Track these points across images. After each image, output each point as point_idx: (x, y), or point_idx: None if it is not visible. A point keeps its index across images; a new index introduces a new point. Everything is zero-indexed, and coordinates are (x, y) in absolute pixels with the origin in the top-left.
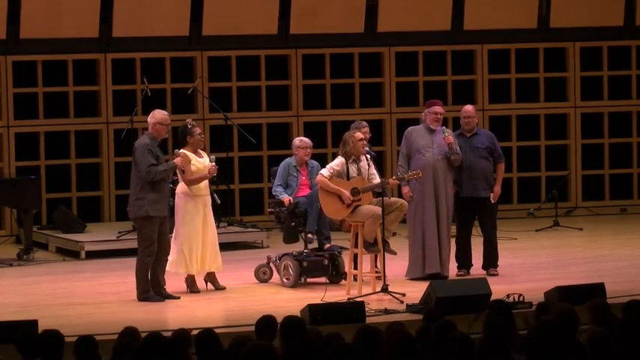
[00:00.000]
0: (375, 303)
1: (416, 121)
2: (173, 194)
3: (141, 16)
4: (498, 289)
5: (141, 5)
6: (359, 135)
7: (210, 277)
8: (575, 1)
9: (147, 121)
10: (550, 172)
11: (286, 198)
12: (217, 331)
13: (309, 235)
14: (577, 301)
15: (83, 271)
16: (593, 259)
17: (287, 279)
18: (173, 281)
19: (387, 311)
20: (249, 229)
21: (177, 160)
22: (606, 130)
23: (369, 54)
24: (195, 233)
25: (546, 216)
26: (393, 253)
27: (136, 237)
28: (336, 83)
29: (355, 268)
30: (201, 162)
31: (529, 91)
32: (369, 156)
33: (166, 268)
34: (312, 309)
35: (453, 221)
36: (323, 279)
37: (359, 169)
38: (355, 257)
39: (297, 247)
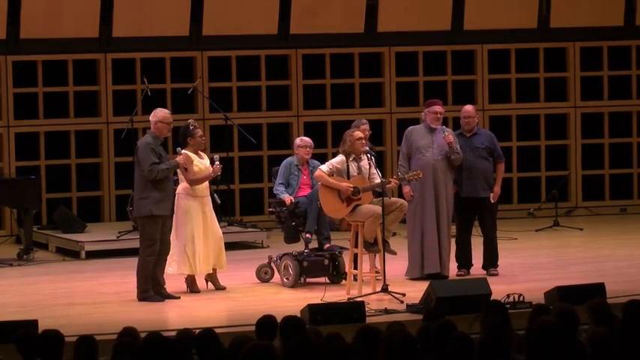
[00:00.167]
0: (375, 303)
1: (416, 121)
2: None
3: (141, 16)
4: (498, 289)
5: (141, 5)
6: (358, 134)
7: (211, 277)
8: (575, 1)
9: (147, 121)
10: (550, 172)
11: (287, 197)
12: (217, 331)
13: (308, 235)
14: (577, 301)
15: (83, 271)
16: (593, 259)
17: (287, 279)
18: (173, 281)
19: (387, 311)
20: (249, 229)
21: (180, 159)
22: (606, 130)
23: (369, 54)
24: (197, 233)
25: (546, 216)
26: (393, 253)
27: (136, 237)
28: (336, 83)
29: (355, 268)
30: (203, 163)
31: (529, 91)
32: (370, 155)
33: (169, 270)
34: (312, 309)
35: (453, 221)
36: (323, 279)
37: (359, 168)
38: (355, 257)
39: (298, 247)
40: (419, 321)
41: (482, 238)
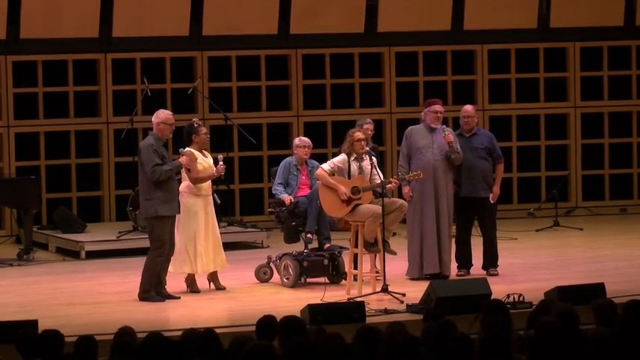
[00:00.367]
0: (375, 303)
1: (416, 121)
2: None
3: (141, 16)
4: (498, 289)
5: (141, 5)
6: (358, 135)
7: (212, 277)
8: (575, 1)
9: (147, 121)
10: (550, 172)
11: (287, 197)
12: (217, 331)
13: (309, 235)
14: (577, 301)
15: (83, 271)
16: (593, 259)
17: (287, 279)
18: (173, 281)
19: (387, 311)
20: (249, 229)
21: (183, 159)
22: (606, 130)
23: (369, 54)
24: (199, 233)
25: (546, 216)
26: (393, 253)
27: (136, 237)
28: (336, 83)
29: (355, 268)
30: (207, 161)
31: (529, 91)
32: (371, 156)
33: (169, 269)
34: (312, 309)
35: (453, 221)
36: (323, 279)
37: (361, 168)
38: (355, 257)
39: (297, 247)
40: (419, 321)
41: (482, 238)
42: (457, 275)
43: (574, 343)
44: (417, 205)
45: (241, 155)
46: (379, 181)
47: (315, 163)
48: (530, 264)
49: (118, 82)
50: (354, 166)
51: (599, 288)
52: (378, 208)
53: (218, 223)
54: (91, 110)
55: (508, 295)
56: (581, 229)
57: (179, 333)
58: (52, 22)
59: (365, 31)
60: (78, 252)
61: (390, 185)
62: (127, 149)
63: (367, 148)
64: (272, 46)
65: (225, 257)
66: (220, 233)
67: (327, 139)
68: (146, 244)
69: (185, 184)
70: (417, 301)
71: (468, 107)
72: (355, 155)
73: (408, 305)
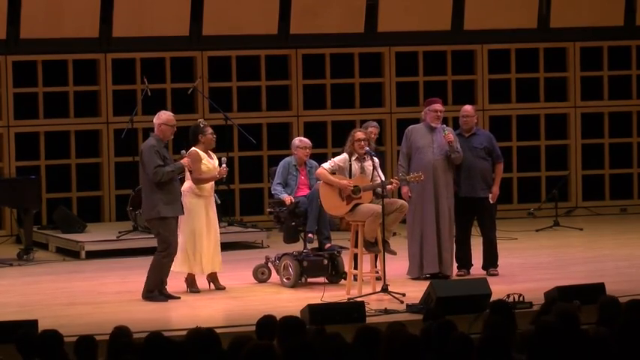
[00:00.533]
0: (375, 303)
1: (416, 121)
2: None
3: (141, 16)
4: (498, 289)
5: (141, 5)
6: (358, 135)
7: (212, 277)
8: (575, 1)
9: (147, 121)
10: (550, 172)
11: (287, 197)
12: (217, 331)
13: (310, 235)
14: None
15: (83, 271)
16: (593, 259)
17: (287, 279)
18: (173, 281)
19: (387, 311)
20: (249, 229)
21: (185, 161)
22: (606, 130)
23: (369, 54)
24: (199, 233)
25: (546, 216)
26: (393, 253)
27: (136, 237)
28: (336, 83)
29: (355, 268)
30: (212, 162)
31: (529, 91)
32: (373, 157)
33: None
34: (312, 309)
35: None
36: (323, 279)
37: (362, 169)
38: (355, 257)
39: (297, 247)
40: (419, 321)
41: (481, 239)
42: (457, 275)
43: (574, 343)
44: (417, 204)
45: (241, 155)
46: (379, 181)
47: (314, 163)
48: (530, 264)
49: (118, 82)
50: (355, 166)
51: (599, 288)
52: (378, 208)
53: (218, 223)
54: (91, 110)
55: (508, 295)
56: (581, 229)
57: (179, 333)
58: (52, 22)
59: (365, 31)
60: (78, 252)
61: (390, 186)
62: (127, 149)
63: (367, 149)
64: (272, 46)
65: (225, 258)
66: (220, 233)
67: (327, 139)
68: (146, 244)
69: (188, 185)
70: (417, 301)
71: (467, 107)
72: (357, 155)
73: (408, 305)
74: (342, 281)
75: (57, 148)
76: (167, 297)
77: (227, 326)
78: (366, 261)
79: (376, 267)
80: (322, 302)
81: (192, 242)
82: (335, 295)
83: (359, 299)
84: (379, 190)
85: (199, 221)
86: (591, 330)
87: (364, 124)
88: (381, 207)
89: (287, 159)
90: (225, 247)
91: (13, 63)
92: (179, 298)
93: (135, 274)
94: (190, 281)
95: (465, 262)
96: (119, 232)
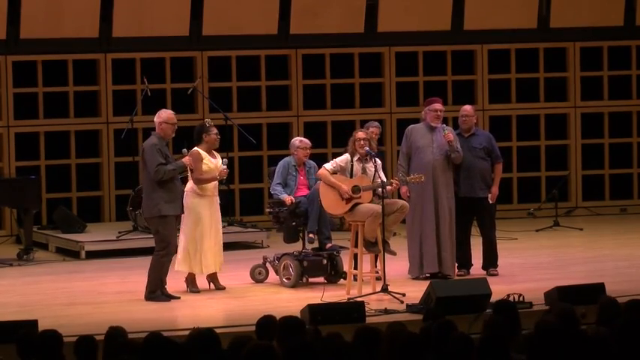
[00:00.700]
0: (375, 303)
1: (416, 121)
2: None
3: (141, 16)
4: (498, 289)
5: (141, 5)
6: (359, 135)
7: (212, 277)
8: (575, 1)
9: (147, 121)
10: (550, 172)
11: (288, 198)
12: (217, 331)
13: (311, 235)
14: (577, 301)
15: (83, 271)
16: (593, 259)
17: (287, 279)
18: (173, 281)
19: (387, 311)
20: (249, 229)
21: (186, 160)
22: (606, 130)
23: (369, 54)
24: (201, 233)
25: (546, 216)
26: (393, 253)
27: (136, 237)
28: (336, 83)
29: (355, 268)
30: (214, 162)
31: (529, 91)
32: (375, 159)
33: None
34: (312, 309)
35: None
36: (322, 278)
37: (364, 169)
38: (355, 257)
39: (295, 246)
40: (419, 321)
41: (481, 239)
42: (457, 275)
43: (574, 343)
44: (417, 204)
45: (241, 155)
46: (379, 181)
47: (313, 163)
48: (530, 264)
49: (118, 82)
50: (356, 166)
51: (599, 288)
52: (377, 207)
53: None
54: (91, 110)
55: (508, 295)
56: (581, 229)
57: (179, 333)
58: (52, 22)
59: (365, 31)
60: (78, 252)
61: (390, 187)
62: (127, 149)
63: (367, 149)
64: (272, 46)
65: (226, 258)
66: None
67: (327, 139)
68: (146, 244)
69: (190, 185)
70: (417, 301)
71: (467, 107)
72: (359, 156)
73: (408, 305)
74: (342, 281)
75: (57, 148)
76: (167, 297)
77: (227, 326)
78: (366, 261)
79: (376, 267)
80: (322, 302)
81: (194, 242)
82: (335, 295)
83: (359, 299)
84: (380, 190)
85: (201, 222)
86: (591, 330)
87: (366, 124)
88: (380, 206)
89: (286, 159)
90: (226, 247)
91: (13, 63)
92: (179, 298)
93: (135, 274)
94: (190, 281)
95: (464, 262)
96: (119, 232)
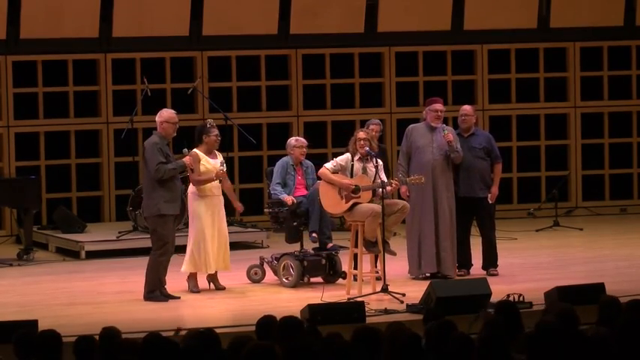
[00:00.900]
0: (375, 303)
1: (416, 122)
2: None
3: (141, 16)
4: (498, 289)
5: (141, 5)
6: (361, 135)
7: (212, 277)
8: (575, 1)
9: (147, 121)
10: (550, 172)
11: (289, 198)
12: (217, 331)
13: (314, 235)
14: (577, 301)
15: (83, 271)
16: (593, 259)
17: (287, 279)
18: (173, 281)
19: (387, 311)
20: (249, 229)
21: (187, 159)
22: (606, 130)
23: (369, 54)
24: (202, 234)
25: (546, 216)
26: (393, 253)
27: (136, 237)
28: (336, 83)
29: (355, 268)
30: (212, 163)
31: (529, 91)
32: (376, 160)
33: (182, 268)
34: (312, 309)
35: None
36: (324, 278)
37: (364, 169)
38: (355, 257)
39: (294, 246)
40: (419, 321)
41: (481, 239)
42: (457, 275)
43: (574, 343)
44: (417, 204)
45: (241, 155)
46: (379, 181)
47: (309, 163)
48: (530, 264)
49: (118, 82)
50: (357, 166)
51: (599, 288)
52: (377, 207)
53: None
54: (91, 110)
55: (508, 295)
56: (581, 229)
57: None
58: (52, 22)
59: (365, 31)
60: (78, 252)
61: (390, 188)
62: (127, 149)
63: (367, 149)
64: (272, 46)
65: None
66: None
67: (327, 139)
68: (146, 244)
69: (192, 186)
70: (417, 301)
71: (466, 106)
72: (360, 155)
73: (408, 305)
74: (341, 281)
75: (57, 148)
76: (167, 297)
77: (227, 326)
78: (366, 261)
79: (376, 267)
80: (322, 302)
81: (197, 243)
82: (335, 295)
83: (359, 299)
84: (380, 190)
85: (203, 222)
86: (591, 330)
87: (367, 122)
88: (380, 206)
89: (284, 159)
90: None
91: (13, 63)
92: (179, 298)
93: (135, 274)
94: (192, 281)
95: (464, 262)
96: (119, 232)
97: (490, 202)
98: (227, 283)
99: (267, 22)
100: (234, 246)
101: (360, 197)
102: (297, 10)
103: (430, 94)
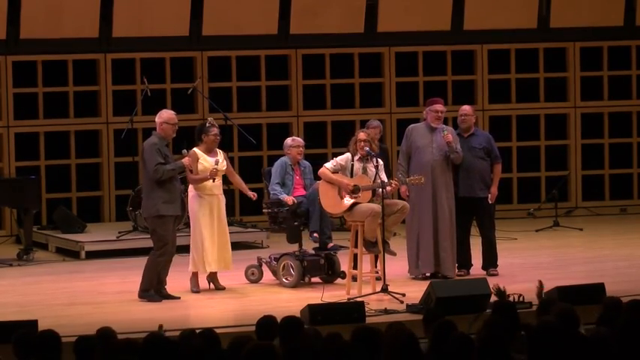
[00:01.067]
0: (375, 303)
1: (416, 122)
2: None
3: (141, 16)
4: None
5: (141, 5)
6: (361, 136)
7: (212, 277)
8: (575, 1)
9: (147, 121)
10: (550, 172)
11: (289, 198)
12: (217, 331)
13: (315, 235)
14: (577, 301)
15: (83, 271)
16: (593, 259)
17: (287, 279)
18: (174, 281)
19: (387, 311)
20: (249, 229)
21: (185, 160)
22: (606, 130)
23: (369, 54)
24: (200, 233)
25: (546, 216)
26: (393, 254)
27: (136, 237)
28: (336, 83)
29: (355, 268)
30: (209, 162)
31: (529, 91)
32: (376, 160)
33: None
34: (312, 309)
35: None
36: (323, 278)
37: (364, 169)
38: (355, 257)
39: (293, 247)
40: (419, 321)
41: (481, 239)
42: (457, 275)
43: (574, 343)
44: (416, 204)
45: (241, 155)
46: (379, 181)
47: (307, 163)
48: (530, 264)
49: (118, 82)
50: (357, 165)
51: (599, 288)
52: (377, 207)
53: None
54: (91, 110)
55: (508, 295)
56: (581, 229)
57: (179, 333)
58: (52, 22)
59: (365, 31)
60: (78, 252)
61: (389, 188)
62: (127, 149)
63: (367, 149)
64: (272, 46)
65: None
66: None
67: (327, 139)
68: (146, 244)
69: (191, 186)
70: (417, 301)
71: (466, 106)
72: (360, 156)
73: (408, 305)
74: (340, 280)
75: (57, 148)
76: (166, 297)
77: (227, 326)
78: (365, 261)
79: (376, 267)
80: (322, 302)
81: (196, 243)
82: (335, 295)
83: (359, 299)
84: (380, 190)
85: (202, 222)
86: (591, 330)
87: (367, 123)
88: (379, 206)
89: (282, 159)
90: None
91: (13, 63)
92: (179, 298)
93: (135, 274)
94: (194, 281)
95: (464, 262)
96: (119, 232)
97: (490, 202)
98: (227, 283)
99: (267, 22)
100: (234, 246)
101: (359, 197)
102: (297, 10)
103: (430, 94)
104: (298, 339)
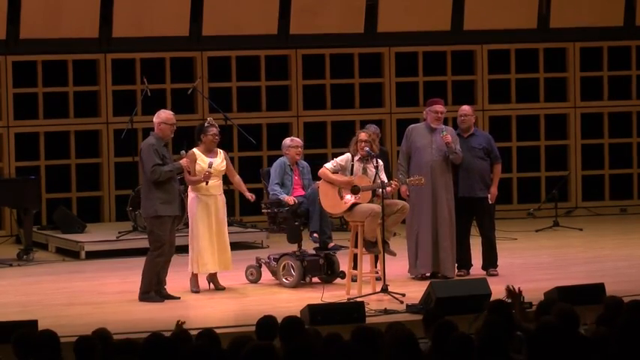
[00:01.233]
0: (375, 303)
1: (416, 122)
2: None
3: (141, 16)
4: (498, 289)
5: (141, 5)
6: (362, 136)
7: (212, 277)
8: (575, 1)
9: (147, 121)
10: (550, 172)
11: (290, 198)
12: (217, 331)
13: (315, 235)
14: (577, 301)
15: (83, 271)
16: (593, 259)
17: (287, 279)
18: (174, 281)
19: (387, 311)
20: (249, 229)
21: (183, 161)
22: (606, 130)
23: (369, 54)
24: (196, 233)
25: (546, 216)
26: (393, 254)
27: (136, 237)
28: (336, 83)
29: (355, 268)
30: (207, 162)
31: (529, 91)
32: (376, 161)
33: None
34: (312, 309)
35: None
36: (322, 278)
37: (364, 169)
38: (355, 257)
39: (292, 247)
40: (419, 321)
41: (481, 239)
42: (457, 275)
43: (574, 343)
44: (416, 205)
45: (241, 155)
46: (379, 181)
47: (305, 164)
48: (530, 264)
49: (117, 82)
50: (357, 166)
51: (599, 288)
52: (376, 207)
53: None
54: (91, 110)
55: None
56: (581, 229)
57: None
58: (52, 22)
59: (365, 31)
60: (78, 252)
61: (389, 188)
62: (127, 149)
63: (367, 149)
64: (272, 46)
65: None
66: None
67: (327, 139)
68: (146, 244)
69: (190, 187)
70: (417, 301)
71: (465, 107)
72: (360, 156)
73: (407, 305)
74: (339, 280)
75: (57, 149)
76: (166, 297)
77: (227, 326)
78: (365, 261)
79: (376, 267)
80: (322, 302)
81: (196, 243)
82: (335, 295)
83: (359, 299)
84: (380, 191)
85: (199, 222)
86: (591, 330)
87: (365, 127)
88: (379, 206)
89: (281, 159)
90: None
91: (13, 63)
92: (179, 298)
93: (135, 274)
94: (194, 281)
95: (464, 263)
96: (119, 233)
97: (490, 202)
98: (227, 283)
99: (267, 22)
100: (234, 246)
101: (359, 198)
102: (296, 10)
103: (430, 94)
104: (299, 339)
